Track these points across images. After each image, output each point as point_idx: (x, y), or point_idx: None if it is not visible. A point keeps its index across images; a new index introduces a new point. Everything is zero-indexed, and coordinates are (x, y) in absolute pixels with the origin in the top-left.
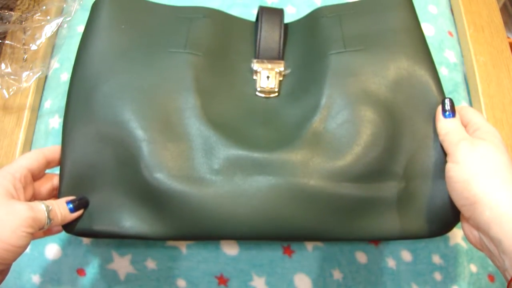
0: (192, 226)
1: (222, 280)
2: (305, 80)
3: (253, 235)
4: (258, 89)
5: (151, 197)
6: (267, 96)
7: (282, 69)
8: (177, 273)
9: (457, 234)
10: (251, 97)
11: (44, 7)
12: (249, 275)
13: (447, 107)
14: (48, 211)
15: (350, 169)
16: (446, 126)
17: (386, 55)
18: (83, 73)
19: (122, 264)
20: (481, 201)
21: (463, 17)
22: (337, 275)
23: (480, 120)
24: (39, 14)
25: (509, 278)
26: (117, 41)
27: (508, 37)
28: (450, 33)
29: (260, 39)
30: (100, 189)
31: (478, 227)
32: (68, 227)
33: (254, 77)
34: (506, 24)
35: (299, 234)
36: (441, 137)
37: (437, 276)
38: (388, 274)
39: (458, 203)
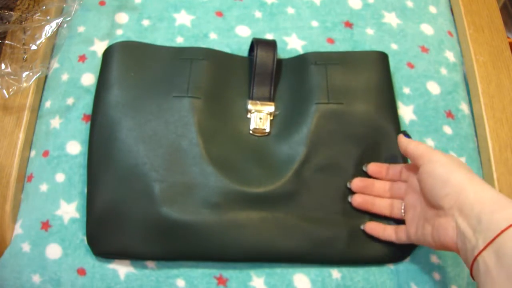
0: (194, 250)
1: (221, 280)
2: (292, 123)
3: (244, 257)
4: (251, 129)
5: (162, 227)
6: (260, 135)
7: (273, 109)
8: (177, 273)
9: None
10: (246, 136)
11: (44, 7)
12: (248, 275)
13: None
14: None
15: (323, 207)
16: (415, 141)
17: (361, 111)
18: (100, 122)
19: (122, 264)
20: (466, 187)
21: (463, 17)
22: (335, 274)
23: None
24: (39, 14)
25: (475, 254)
26: (127, 91)
27: (508, 37)
28: (450, 33)
29: (254, 84)
30: (120, 220)
31: (460, 210)
32: (95, 249)
33: (248, 115)
34: (506, 24)
35: (280, 258)
36: (412, 147)
37: (436, 275)
38: (387, 273)
39: (441, 193)
